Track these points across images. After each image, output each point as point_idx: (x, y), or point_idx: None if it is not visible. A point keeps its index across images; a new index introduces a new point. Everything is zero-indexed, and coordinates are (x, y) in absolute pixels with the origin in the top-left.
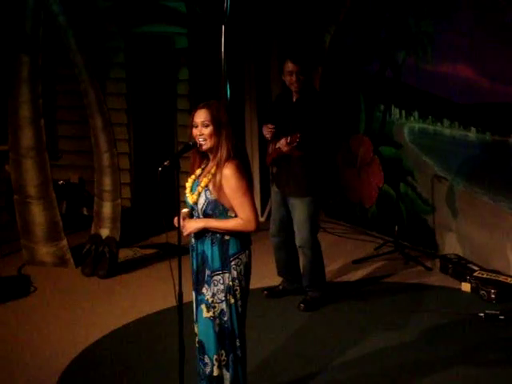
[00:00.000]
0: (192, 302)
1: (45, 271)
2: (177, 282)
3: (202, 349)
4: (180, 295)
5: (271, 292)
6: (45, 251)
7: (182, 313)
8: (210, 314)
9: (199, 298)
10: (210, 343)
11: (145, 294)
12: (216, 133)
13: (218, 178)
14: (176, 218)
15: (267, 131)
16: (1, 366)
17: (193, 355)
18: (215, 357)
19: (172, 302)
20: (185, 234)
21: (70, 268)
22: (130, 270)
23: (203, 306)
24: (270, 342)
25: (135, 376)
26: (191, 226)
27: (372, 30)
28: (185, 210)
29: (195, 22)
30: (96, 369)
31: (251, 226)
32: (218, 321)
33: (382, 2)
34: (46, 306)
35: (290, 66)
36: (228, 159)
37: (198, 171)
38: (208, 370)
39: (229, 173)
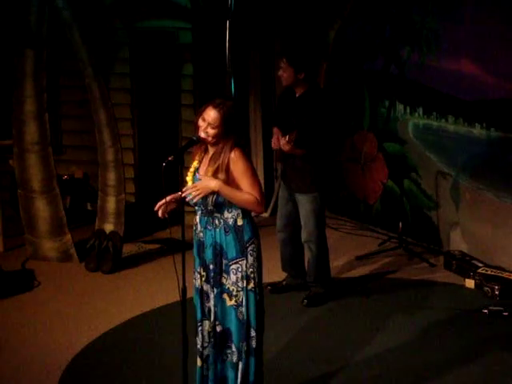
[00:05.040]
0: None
1: (48, 266)
2: (180, 277)
3: (229, 337)
4: (184, 290)
5: (274, 287)
6: (49, 246)
7: (185, 308)
8: (233, 302)
9: (219, 288)
10: (235, 331)
11: (148, 289)
12: (221, 136)
13: (223, 166)
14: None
15: (274, 141)
16: (4, 361)
17: (195, 350)
18: (240, 344)
19: (175, 297)
20: (196, 194)
21: (74, 263)
22: (133, 265)
23: (225, 296)
24: (272, 337)
25: (139, 371)
26: (204, 185)
27: (377, 25)
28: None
29: (200, 16)
30: (99, 363)
31: (261, 206)
32: (240, 309)
33: None
34: (49, 300)
35: (280, 61)
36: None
37: (196, 163)
38: (235, 358)
39: (236, 156)
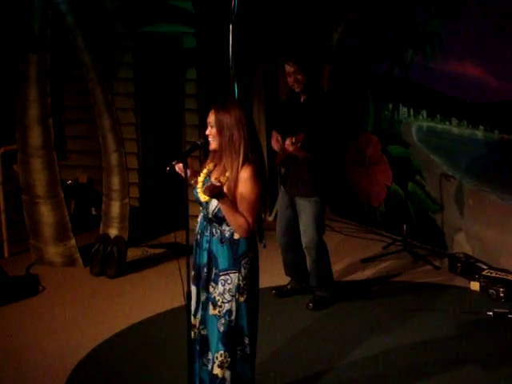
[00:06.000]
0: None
1: (53, 271)
2: (185, 281)
3: (207, 344)
4: (188, 294)
5: (279, 291)
6: (53, 251)
7: (190, 312)
8: (216, 311)
9: (206, 295)
10: (214, 341)
11: (153, 294)
12: (219, 135)
13: (233, 181)
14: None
15: (274, 143)
16: (10, 365)
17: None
18: (216, 355)
19: (180, 301)
20: (206, 194)
21: (79, 268)
22: (138, 270)
23: (210, 304)
24: (277, 341)
25: (144, 375)
26: (215, 191)
27: (380, 28)
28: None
29: (203, 21)
30: (104, 368)
31: (248, 233)
32: (222, 320)
33: (390, 0)
34: (54, 305)
35: (286, 67)
36: (244, 162)
37: (211, 165)
38: (209, 366)
39: (245, 176)
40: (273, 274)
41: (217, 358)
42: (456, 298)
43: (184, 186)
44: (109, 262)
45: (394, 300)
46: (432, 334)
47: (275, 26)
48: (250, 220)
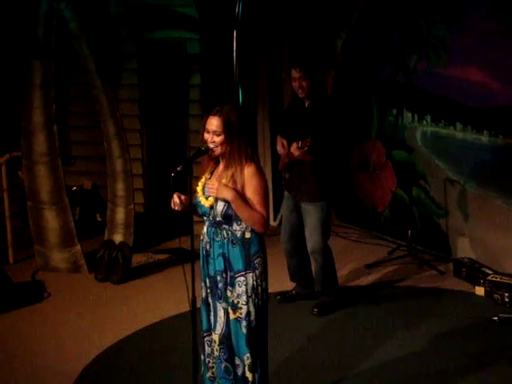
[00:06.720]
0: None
1: (58, 277)
2: (190, 287)
3: (232, 351)
4: (193, 300)
5: (284, 297)
6: (58, 257)
7: (195, 318)
8: (238, 314)
9: (225, 302)
10: (241, 344)
11: (158, 300)
12: (228, 141)
13: (239, 178)
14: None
15: (280, 148)
16: (16, 371)
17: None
18: (244, 358)
19: (185, 307)
20: (213, 195)
21: (84, 274)
22: (143, 276)
23: (230, 309)
24: (282, 346)
25: (149, 381)
26: (222, 191)
27: (384, 34)
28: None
29: (207, 27)
30: (109, 375)
31: (265, 226)
32: (244, 323)
33: (394, 5)
34: (59, 311)
35: (293, 72)
36: (246, 161)
37: (207, 175)
38: (240, 371)
39: (251, 171)
40: (277, 280)
41: (245, 361)
42: (461, 303)
43: (188, 192)
44: (113, 268)
45: (399, 305)
46: (437, 339)
47: (279, 32)
48: (264, 213)
